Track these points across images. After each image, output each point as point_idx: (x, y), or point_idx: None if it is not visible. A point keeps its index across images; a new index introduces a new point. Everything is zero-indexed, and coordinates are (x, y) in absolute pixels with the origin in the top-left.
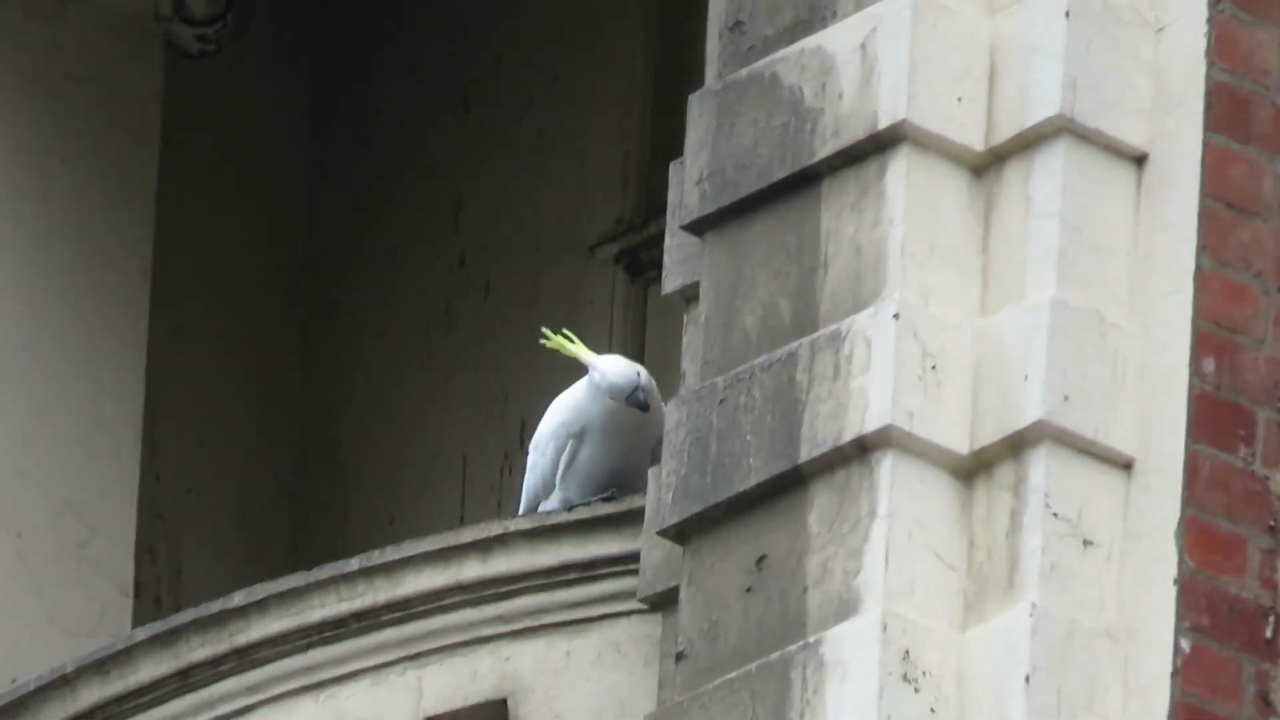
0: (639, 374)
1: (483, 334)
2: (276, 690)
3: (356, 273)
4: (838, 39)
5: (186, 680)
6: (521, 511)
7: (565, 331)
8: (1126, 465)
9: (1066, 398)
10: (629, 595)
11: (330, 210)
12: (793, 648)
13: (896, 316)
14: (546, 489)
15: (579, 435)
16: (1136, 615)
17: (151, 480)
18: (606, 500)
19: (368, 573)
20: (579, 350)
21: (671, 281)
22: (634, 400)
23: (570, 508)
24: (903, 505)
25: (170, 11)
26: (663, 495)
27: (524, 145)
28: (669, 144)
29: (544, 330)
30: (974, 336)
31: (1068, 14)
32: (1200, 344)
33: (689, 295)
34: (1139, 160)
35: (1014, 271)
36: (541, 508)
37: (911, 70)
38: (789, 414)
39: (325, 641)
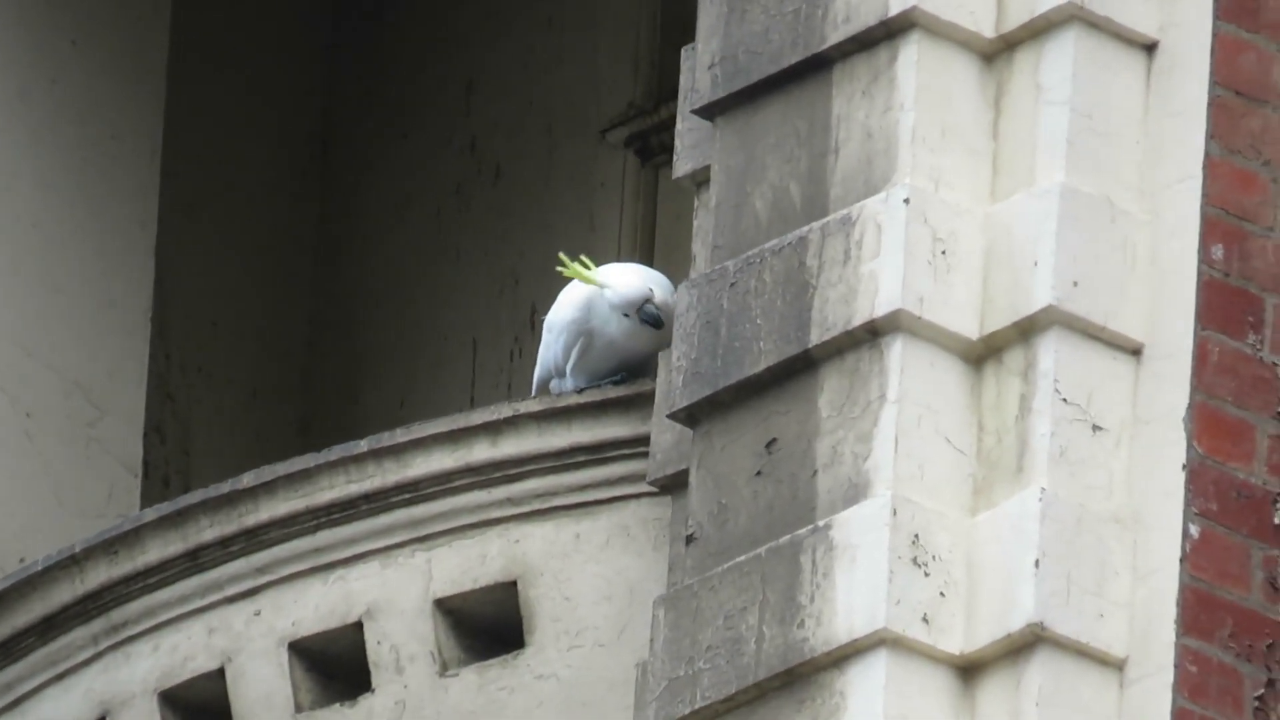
0: (651, 289)
1: (494, 217)
2: (285, 571)
3: (368, 154)
4: None
5: (195, 561)
6: (535, 383)
7: (582, 258)
8: (1136, 351)
9: (1076, 283)
10: (639, 478)
11: (342, 92)
12: (802, 531)
13: (907, 201)
14: (559, 371)
15: (589, 334)
16: (1145, 501)
17: (161, 360)
18: (616, 383)
19: (377, 454)
20: (594, 275)
21: (683, 166)
22: (645, 314)
23: (580, 390)
24: (912, 389)
25: None
26: (673, 378)
27: (535, 28)
28: (680, 28)
29: (561, 256)
30: (984, 222)
31: None
32: (1209, 231)
33: (700, 179)
34: (1149, 48)
35: (1024, 158)
36: (553, 385)
37: None
38: (799, 298)
39: (334, 523)
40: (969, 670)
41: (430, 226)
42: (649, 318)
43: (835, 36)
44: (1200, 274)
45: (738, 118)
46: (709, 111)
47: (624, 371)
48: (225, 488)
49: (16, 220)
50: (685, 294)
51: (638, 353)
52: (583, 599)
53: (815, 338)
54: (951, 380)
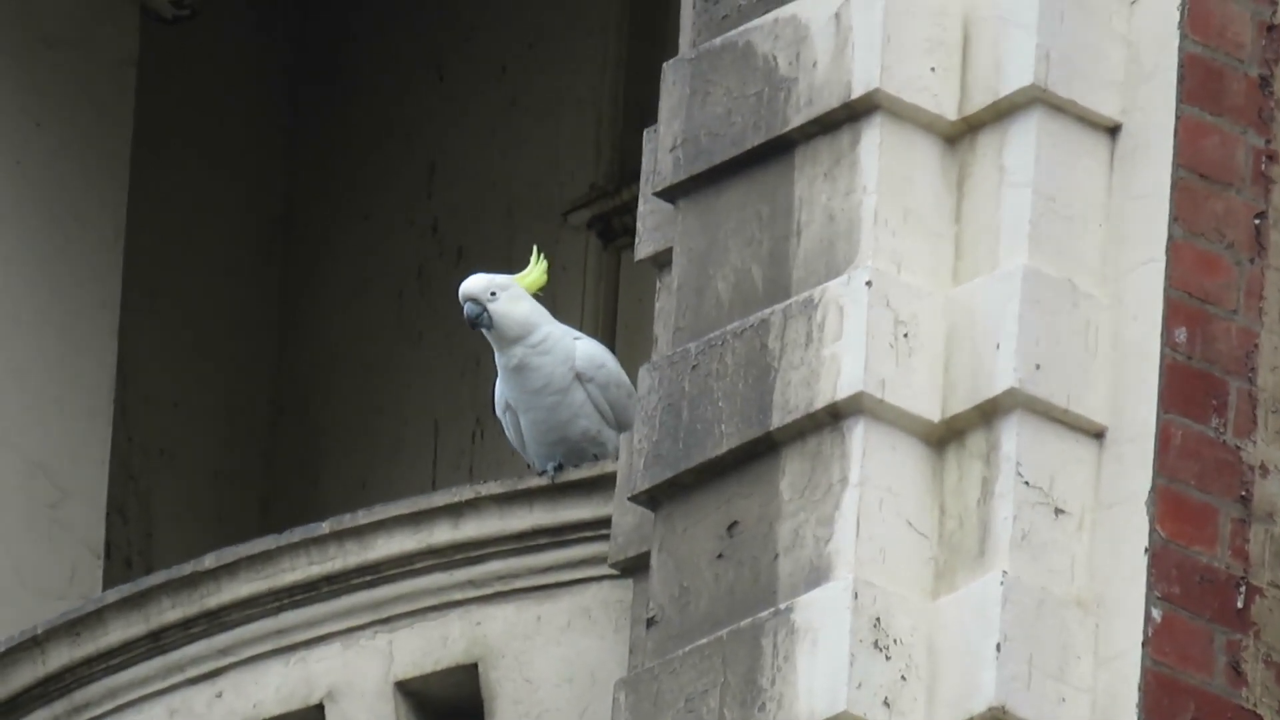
0: (473, 291)
1: (455, 299)
2: (246, 653)
3: (330, 237)
4: (811, 8)
5: (157, 642)
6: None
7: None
8: (1098, 434)
9: (1039, 366)
10: (600, 560)
11: (304, 175)
12: (764, 614)
13: (869, 284)
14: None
15: (508, 408)
16: (1108, 584)
17: (123, 441)
18: (540, 475)
19: (338, 536)
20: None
21: (644, 248)
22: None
23: (541, 472)
24: (874, 473)
25: None
26: (635, 461)
27: (497, 111)
28: (642, 110)
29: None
30: (946, 305)
31: None
32: (1172, 314)
33: (662, 261)
34: (1112, 131)
35: (987, 240)
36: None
37: (885, 40)
38: (761, 381)
39: (296, 604)
40: None
41: (392, 308)
42: (467, 315)
43: (798, 119)
44: (1163, 357)
45: (700, 200)
46: (671, 194)
47: (560, 460)
48: (187, 569)
49: None
50: (647, 376)
51: (552, 423)
52: (544, 681)
53: (777, 420)
54: (913, 463)
